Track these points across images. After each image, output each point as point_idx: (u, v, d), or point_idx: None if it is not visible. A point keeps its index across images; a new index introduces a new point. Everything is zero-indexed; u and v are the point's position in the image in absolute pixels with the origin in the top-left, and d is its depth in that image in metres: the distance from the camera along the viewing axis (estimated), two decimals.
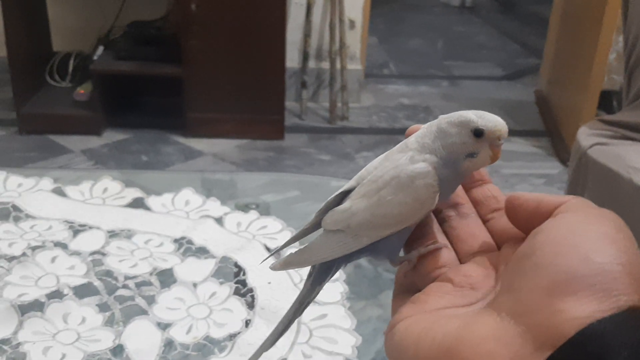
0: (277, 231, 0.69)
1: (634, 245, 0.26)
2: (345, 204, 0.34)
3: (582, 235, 0.26)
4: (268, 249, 0.65)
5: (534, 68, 3.05)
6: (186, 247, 0.65)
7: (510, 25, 3.93)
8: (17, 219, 0.69)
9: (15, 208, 0.70)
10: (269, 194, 0.76)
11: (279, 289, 0.60)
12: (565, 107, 2.37)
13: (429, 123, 0.34)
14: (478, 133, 0.32)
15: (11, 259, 0.62)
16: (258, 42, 2.16)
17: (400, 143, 0.35)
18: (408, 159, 0.33)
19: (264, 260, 0.37)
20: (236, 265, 0.63)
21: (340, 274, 0.62)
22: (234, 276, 0.61)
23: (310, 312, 0.57)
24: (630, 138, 1.17)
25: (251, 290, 0.59)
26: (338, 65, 2.46)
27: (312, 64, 2.55)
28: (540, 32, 3.23)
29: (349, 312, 0.58)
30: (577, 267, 0.24)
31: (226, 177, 0.81)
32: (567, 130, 2.24)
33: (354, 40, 2.58)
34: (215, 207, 0.73)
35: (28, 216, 0.69)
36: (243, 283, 0.60)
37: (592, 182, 1.16)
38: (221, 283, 0.60)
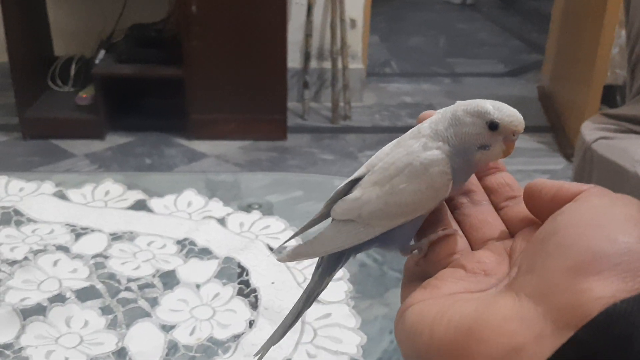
0: (280, 231, 0.68)
1: None
2: (356, 193, 0.33)
3: (608, 216, 0.25)
4: (271, 249, 0.65)
5: (537, 64, 3.04)
6: (189, 249, 0.65)
7: (512, 22, 3.92)
8: (18, 223, 0.68)
9: (17, 212, 0.70)
10: (273, 194, 0.76)
11: (282, 288, 0.59)
12: (568, 102, 2.36)
13: (444, 108, 0.33)
14: (493, 126, 0.31)
15: (13, 263, 0.62)
16: (259, 43, 2.15)
17: (413, 129, 0.34)
18: (421, 145, 0.32)
19: (272, 253, 0.37)
20: (239, 265, 0.62)
21: (344, 273, 0.61)
22: (237, 277, 0.61)
23: (314, 311, 0.56)
24: (634, 132, 1.16)
25: (254, 290, 0.59)
26: (340, 65, 2.46)
27: (313, 63, 2.55)
28: (541, 28, 3.22)
29: (353, 311, 0.57)
30: (602, 246, 0.24)
31: (230, 178, 0.81)
32: (571, 125, 2.23)
33: (355, 40, 2.57)
34: (217, 207, 0.72)
35: (30, 220, 0.69)
36: (246, 283, 0.60)
37: (597, 176, 1.15)
38: (224, 284, 0.60)
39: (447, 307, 0.26)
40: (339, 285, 0.60)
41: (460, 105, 0.32)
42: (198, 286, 0.59)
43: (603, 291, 0.22)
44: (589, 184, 0.28)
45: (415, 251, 0.33)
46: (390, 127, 2.44)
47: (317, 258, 0.35)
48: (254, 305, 0.57)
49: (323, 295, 0.57)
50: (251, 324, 0.55)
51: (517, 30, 3.75)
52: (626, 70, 1.30)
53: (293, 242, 0.44)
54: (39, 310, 0.56)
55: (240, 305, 0.57)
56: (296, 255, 0.35)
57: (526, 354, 0.23)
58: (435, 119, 0.33)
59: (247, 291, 0.59)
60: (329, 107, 2.52)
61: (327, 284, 0.35)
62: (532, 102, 2.65)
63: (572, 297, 0.23)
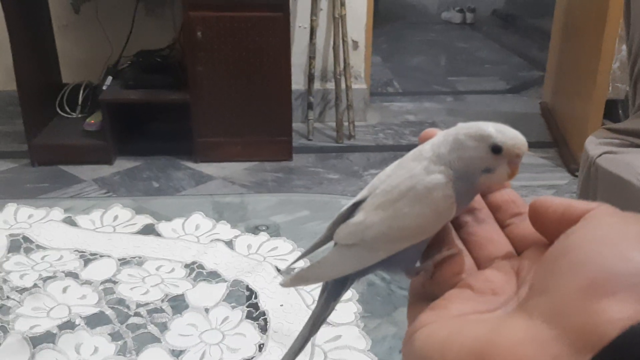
0: (287, 252, 0.69)
1: None
2: (359, 216, 0.33)
3: (620, 234, 0.24)
4: (279, 271, 0.65)
5: (538, 80, 3.05)
6: (197, 272, 0.65)
7: (512, 39, 3.94)
8: (28, 251, 0.69)
9: (26, 239, 0.71)
10: (280, 214, 0.76)
11: (291, 311, 0.60)
12: (571, 117, 2.36)
13: (446, 131, 0.33)
14: (496, 149, 0.30)
15: (22, 290, 0.62)
16: (263, 66, 2.17)
17: (414, 150, 0.33)
18: (423, 168, 0.32)
19: (278, 274, 0.37)
20: (247, 288, 0.63)
21: (353, 294, 0.62)
22: (246, 299, 0.61)
23: (324, 333, 0.56)
24: (638, 145, 1.16)
25: (263, 313, 0.59)
26: (343, 85, 2.48)
27: (317, 85, 2.57)
28: (542, 45, 3.24)
29: (363, 333, 0.57)
30: (617, 265, 0.23)
31: (236, 199, 0.81)
32: (574, 140, 2.23)
33: (358, 60, 2.59)
34: (225, 230, 0.73)
35: (39, 247, 0.69)
36: (255, 306, 0.60)
37: (602, 190, 1.15)
38: (233, 307, 0.60)
39: (457, 330, 0.26)
40: (349, 307, 0.60)
41: (462, 129, 0.32)
42: (207, 310, 0.60)
43: (620, 312, 0.22)
44: (597, 202, 0.28)
45: (422, 272, 0.32)
46: (394, 146, 2.45)
47: (323, 282, 0.35)
48: (264, 329, 0.57)
49: (333, 317, 0.57)
50: (261, 347, 0.55)
51: (518, 47, 3.77)
52: (628, 84, 1.30)
53: (300, 264, 0.45)
54: (48, 337, 0.56)
55: (250, 329, 0.57)
56: (299, 280, 0.34)
57: None
58: (437, 141, 0.32)
59: (256, 314, 0.59)
60: (333, 127, 2.54)
61: (333, 308, 0.35)
62: (534, 118, 2.66)
63: (587, 319, 0.22)
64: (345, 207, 0.34)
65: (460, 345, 0.25)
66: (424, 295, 0.31)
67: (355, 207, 0.34)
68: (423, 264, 0.32)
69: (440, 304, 0.29)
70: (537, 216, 0.29)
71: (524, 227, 0.31)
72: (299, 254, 0.67)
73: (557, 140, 2.43)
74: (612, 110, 2.30)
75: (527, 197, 2.06)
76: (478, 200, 0.33)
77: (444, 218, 0.31)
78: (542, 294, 0.25)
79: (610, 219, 0.26)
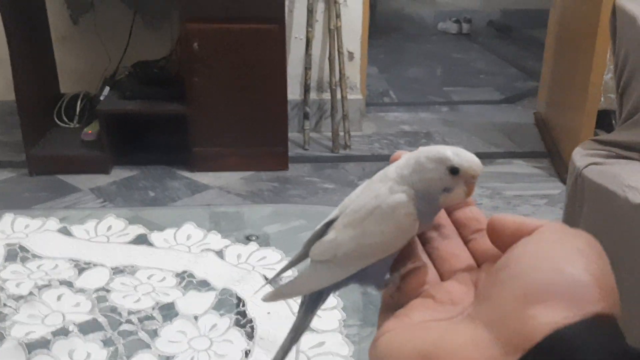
0: (276, 262, 0.71)
1: (605, 260, 0.27)
2: (331, 235, 0.35)
3: (556, 249, 0.27)
4: (267, 280, 0.67)
5: (533, 91, 3.08)
6: (187, 281, 0.67)
7: (508, 50, 3.98)
8: (24, 260, 0.71)
9: (23, 249, 0.73)
10: (275, 224, 0.78)
11: (278, 318, 0.62)
12: (563, 127, 2.39)
13: (409, 154, 0.35)
14: (454, 171, 0.33)
15: (19, 298, 0.64)
16: (260, 77, 2.20)
17: (380, 172, 0.36)
18: (387, 189, 0.34)
19: (259, 290, 0.39)
20: (236, 297, 0.65)
21: (337, 301, 0.64)
22: (235, 307, 0.63)
23: (308, 340, 0.58)
24: (624, 157, 1.19)
25: (251, 321, 0.61)
26: (339, 96, 2.51)
27: (313, 95, 2.60)
28: (537, 56, 3.27)
29: (346, 340, 0.59)
30: (550, 276, 0.26)
31: (232, 209, 0.83)
32: (567, 150, 2.25)
33: (354, 71, 2.62)
34: (216, 240, 0.75)
35: (35, 256, 0.72)
36: (243, 314, 0.62)
37: (588, 201, 1.17)
38: (221, 315, 0.62)
39: (412, 335, 0.29)
40: (333, 314, 0.62)
41: (423, 152, 0.34)
42: (196, 317, 0.62)
43: (547, 317, 0.24)
44: (547, 220, 0.30)
45: (390, 284, 0.35)
46: (390, 156, 2.45)
47: (301, 296, 0.38)
48: (250, 336, 0.59)
49: (316, 324, 0.59)
50: (247, 353, 0.57)
51: (513, 58, 3.81)
52: (615, 96, 1.33)
53: (289, 273, 0.47)
54: (43, 344, 0.58)
55: (237, 336, 0.59)
56: (278, 295, 0.37)
57: None
58: (401, 163, 0.35)
59: (243, 322, 0.61)
60: (329, 136, 2.56)
61: (312, 319, 0.38)
62: (529, 128, 2.69)
63: (520, 324, 0.25)
64: (319, 226, 0.37)
65: (412, 349, 0.28)
66: (393, 305, 0.34)
67: (328, 225, 0.36)
68: (391, 276, 0.35)
69: (403, 312, 0.31)
70: (493, 232, 0.31)
71: (485, 242, 0.33)
72: (286, 263, 0.69)
73: (550, 150, 2.46)
74: (606, 121, 2.33)
75: (519, 206, 2.09)
76: (444, 217, 0.36)
77: (407, 234, 0.34)
78: (484, 302, 0.28)
79: (552, 236, 0.28)
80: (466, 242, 0.35)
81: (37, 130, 2.30)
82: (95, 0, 2.50)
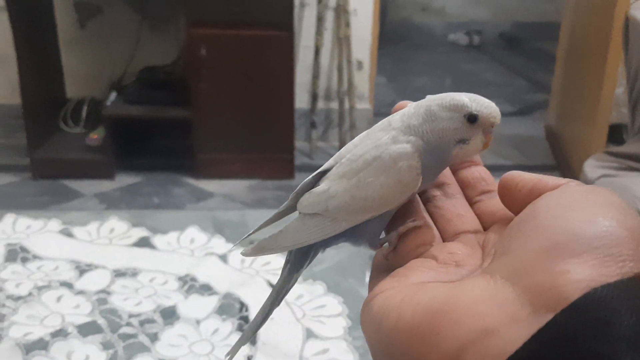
0: (280, 267, 0.69)
1: (638, 215, 0.25)
2: (323, 186, 0.32)
3: (588, 200, 0.24)
4: (271, 285, 0.66)
5: (543, 103, 3.07)
6: (190, 285, 0.66)
7: (518, 62, 3.96)
8: (24, 260, 0.70)
9: (23, 249, 0.72)
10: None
11: (281, 324, 0.60)
12: (574, 141, 2.37)
13: (416, 103, 0.32)
14: (472, 119, 0.30)
15: (18, 299, 0.63)
16: (267, 85, 2.19)
17: (383, 120, 0.32)
18: (390, 138, 0.31)
19: (234, 247, 0.36)
20: (239, 301, 0.63)
21: (343, 308, 0.62)
22: (238, 312, 0.61)
23: (312, 347, 0.56)
24: (636, 169, 1.17)
25: None
26: (347, 105, 2.49)
27: (321, 104, 2.58)
28: (547, 68, 3.26)
29: (351, 347, 0.57)
30: (582, 228, 0.23)
31: (236, 216, 0.82)
32: (578, 164, 2.24)
33: (362, 81, 2.61)
34: (220, 244, 0.73)
35: (35, 257, 0.70)
36: (246, 319, 0.61)
37: None
38: (224, 319, 0.60)
39: (415, 291, 0.25)
40: (337, 321, 0.60)
41: (435, 100, 0.31)
42: (198, 322, 0.60)
43: (582, 274, 0.21)
44: (567, 179, 0.27)
45: (385, 244, 0.31)
46: None
47: (286, 254, 0.34)
48: (253, 341, 0.58)
49: (321, 331, 0.57)
50: (249, 359, 0.55)
51: (523, 70, 3.79)
52: (627, 108, 1.31)
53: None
54: (41, 345, 0.56)
55: None
56: (260, 249, 0.34)
57: (499, 337, 0.21)
58: (408, 112, 0.31)
59: (246, 326, 0.59)
60: (337, 146, 2.55)
61: (296, 280, 0.34)
62: (539, 141, 2.66)
63: (549, 279, 0.22)
64: (310, 176, 0.33)
65: (417, 304, 0.24)
66: (386, 267, 0.30)
67: (321, 176, 0.33)
68: (387, 235, 0.31)
69: (401, 272, 0.28)
70: (506, 191, 0.28)
71: (493, 204, 0.30)
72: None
73: (560, 163, 2.44)
74: (617, 135, 2.31)
75: None
76: (448, 176, 0.33)
77: (409, 189, 0.30)
78: (505, 255, 0.24)
79: (580, 188, 0.26)
80: (472, 203, 0.32)
81: (41, 134, 2.30)
82: (103, 5, 2.51)
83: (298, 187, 0.33)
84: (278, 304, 0.35)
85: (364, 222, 0.31)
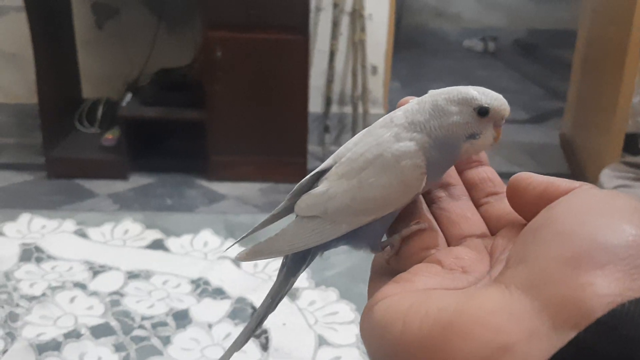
0: None
1: None
2: (321, 187, 0.31)
3: (611, 205, 0.22)
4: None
5: (558, 111, 3.04)
6: (203, 288, 0.66)
7: (533, 69, 3.94)
8: (39, 260, 0.70)
9: (38, 249, 0.72)
10: None
11: (294, 329, 0.60)
12: (589, 149, 2.35)
13: (419, 98, 0.30)
14: (483, 112, 0.28)
15: (31, 299, 0.63)
16: (281, 88, 2.20)
17: (385, 116, 0.31)
18: (393, 135, 0.29)
19: (228, 248, 0.34)
20: (251, 306, 0.63)
21: (355, 315, 0.62)
22: (250, 317, 0.61)
23: (324, 354, 0.56)
24: None
25: (265, 331, 0.59)
26: (360, 110, 2.49)
27: (335, 108, 2.58)
28: (562, 76, 3.24)
29: (364, 355, 0.57)
30: (606, 236, 0.20)
31: (248, 219, 0.82)
32: (592, 173, 2.22)
33: (376, 86, 2.61)
34: (233, 248, 0.73)
35: (50, 257, 0.71)
36: None
37: None
38: (236, 324, 0.60)
39: (421, 300, 0.23)
40: (350, 329, 0.60)
41: (440, 94, 0.29)
42: (210, 326, 0.60)
43: (608, 288, 0.19)
44: (581, 182, 0.26)
45: (387, 248, 0.30)
46: None
47: (282, 258, 0.33)
48: (265, 347, 0.57)
49: (334, 338, 0.57)
50: None
51: (538, 77, 3.77)
52: None
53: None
54: (54, 345, 0.57)
55: (251, 346, 0.58)
56: (255, 253, 0.32)
57: (516, 355, 0.20)
58: (412, 108, 0.30)
59: (258, 332, 0.59)
60: None
61: (292, 284, 0.33)
62: (554, 149, 2.65)
63: (571, 292, 0.20)
64: (308, 176, 0.31)
65: (425, 315, 0.22)
66: (388, 272, 0.29)
67: (319, 176, 0.31)
68: (389, 238, 0.30)
69: (405, 277, 0.26)
70: (515, 193, 0.27)
71: (501, 207, 0.29)
72: (304, 274, 0.68)
73: (575, 172, 2.42)
74: (633, 144, 2.29)
75: None
76: (453, 176, 0.31)
77: (412, 190, 0.29)
78: (521, 264, 0.22)
79: (597, 192, 0.24)
80: (478, 205, 0.30)
81: (57, 134, 2.31)
82: (120, 6, 2.52)
83: (295, 188, 0.32)
84: (273, 309, 0.33)
85: (365, 224, 0.29)
